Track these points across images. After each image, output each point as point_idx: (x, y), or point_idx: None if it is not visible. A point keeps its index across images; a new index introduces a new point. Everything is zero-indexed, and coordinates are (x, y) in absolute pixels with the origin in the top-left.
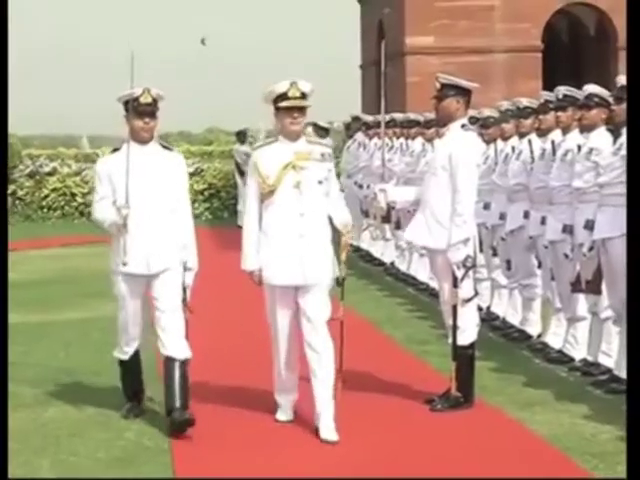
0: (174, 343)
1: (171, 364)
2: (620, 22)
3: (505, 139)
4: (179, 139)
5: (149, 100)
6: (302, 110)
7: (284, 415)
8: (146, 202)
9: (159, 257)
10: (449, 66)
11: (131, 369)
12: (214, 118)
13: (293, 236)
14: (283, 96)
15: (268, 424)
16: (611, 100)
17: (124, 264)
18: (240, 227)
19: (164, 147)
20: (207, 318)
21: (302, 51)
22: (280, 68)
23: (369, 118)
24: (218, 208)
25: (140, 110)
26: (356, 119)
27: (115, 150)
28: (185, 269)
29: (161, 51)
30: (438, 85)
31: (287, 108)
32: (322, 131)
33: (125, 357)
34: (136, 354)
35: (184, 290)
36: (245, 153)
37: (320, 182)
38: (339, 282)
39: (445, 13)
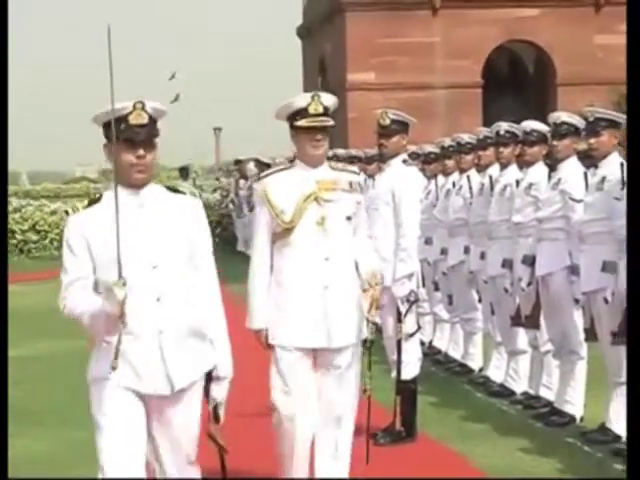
0: None
1: None
2: (558, 59)
3: (446, 174)
4: None
5: (144, 120)
6: (325, 130)
7: None
8: (148, 280)
9: (174, 367)
10: (391, 102)
11: None
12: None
13: (316, 287)
14: (302, 112)
15: None
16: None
17: (113, 368)
18: None
19: (170, 190)
20: None
21: (245, 87)
22: (221, 103)
23: None
24: None
25: (130, 136)
26: None
27: (93, 202)
28: (212, 378)
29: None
30: (387, 121)
31: (307, 128)
32: (264, 167)
33: None
34: None
35: (215, 414)
36: (188, 189)
37: (349, 218)
38: (365, 345)
39: (386, 50)
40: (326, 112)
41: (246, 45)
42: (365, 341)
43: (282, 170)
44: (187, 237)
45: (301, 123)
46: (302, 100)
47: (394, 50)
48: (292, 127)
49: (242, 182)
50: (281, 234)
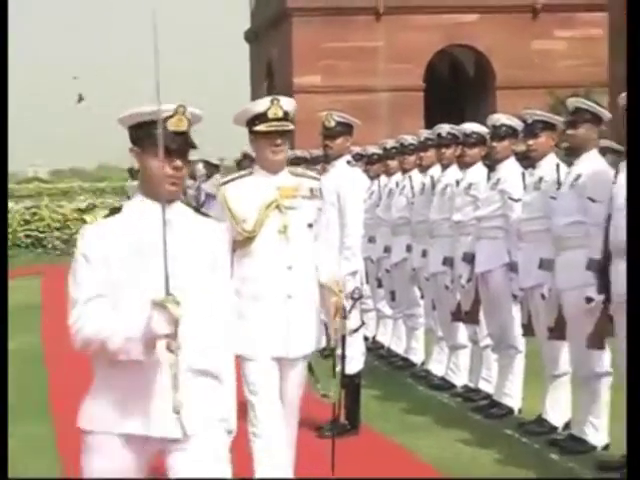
0: None
1: None
2: (497, 64)
3: (389, 175)
4: (71, 175)
5: (184, 127)
6: (285, 135)
7: None
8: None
9: (191, 408)
10: (336, 104)
11: None
12: (106, 155)
13: (279, 296)
14: (261, 117)
15: None
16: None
17: (177, 412)
18: None
19: (197, 211)
20: None
21: (194, 88)
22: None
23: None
24: None
25: (168, 144)
26: (246, 156)
27: (113, 212)
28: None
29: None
30: (332, 123)
31: (266, 133)
32: (212, 168)
33: None
34: None
35: None
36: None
37: (310, 225)
38: (326, 354)
39: (331, 54)
40: (286, 116)
41: (197, 50)
42: (324, 349)
43: (242, 177)
44: (210, 264)
45: (260, 128)
46: (261, 105)
47: (339, 54)
48: (251, 132)
49: (190, 182)
50: (242, 243)
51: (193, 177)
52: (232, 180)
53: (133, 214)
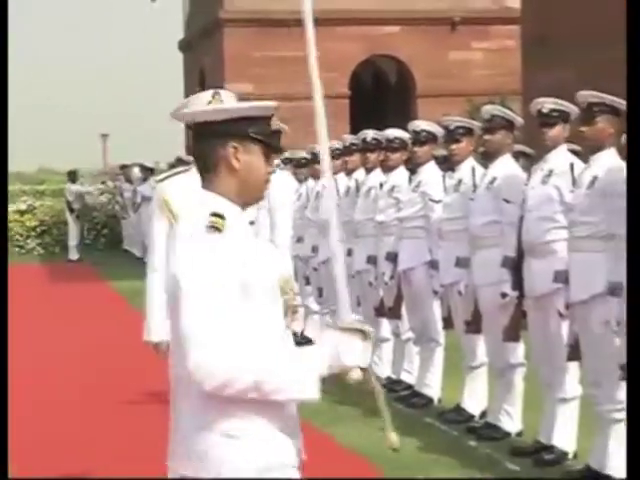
0: None
1: None
2: (418, 73)
3: (316, 178)
4: (12, 178)
5: (276, 126)
6: None
7: None
8: None
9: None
10: None
11: None
12: (45, 159)
13: None
14: None
15: None
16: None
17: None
18: (72, 261)
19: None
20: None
21: (128, 95)
22: (107, 117)
23: (192, 159)
24: (50, 244)
25: (276, 144)
26: (180, 160)
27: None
28: None
29: None
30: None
31: None
32: (148, 171)
33: None
34: None
35: None
36: (76, 192)
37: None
38: None
39: (262, 62)
40: None
41: (131, 59)
42: None
43: (180, 173)
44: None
45: None
46: (201, 98)
47: (269, 63)
48: (190, 128)
49: (127, 185)
50: None
51: (129, 180)
52: (170, 177)
53: (236, 227)
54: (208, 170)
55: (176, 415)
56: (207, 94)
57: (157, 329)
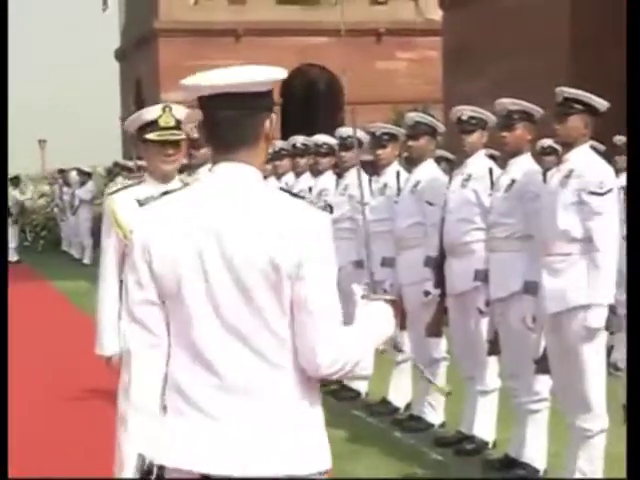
0: None
1: None
2: (347, 81)
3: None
4: None
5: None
6: (177, 144)
7: None
8: None
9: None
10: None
11: None
12: None
13: None
14: (152, 125)
15: None
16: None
17: None
18: (11, 262)
19: None
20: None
21: (69, 103)
22: (47, 118)
23: (130, 164)
24: None
25: None
26: (117, 165)
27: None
28: None
29: None
30: (197, 134)
31: (157, 142)
32: (85, 175)
33: None
34: None
35: None
36: (17, 199)
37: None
38: None
39: (195, 71)
40: (178, 125)
41: (69, 67)
42: None
43: (130, 186)
44: None
45: (151, 136)
46: (152, 112)
47: (200, 71)
48: (142, 140)
49: (65, 189)
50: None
51: (67, 184)
52: (120, 190)
53: None
54: (246, 142)
55: (244, 413)
56: (158, 107)
57: (109, 343)
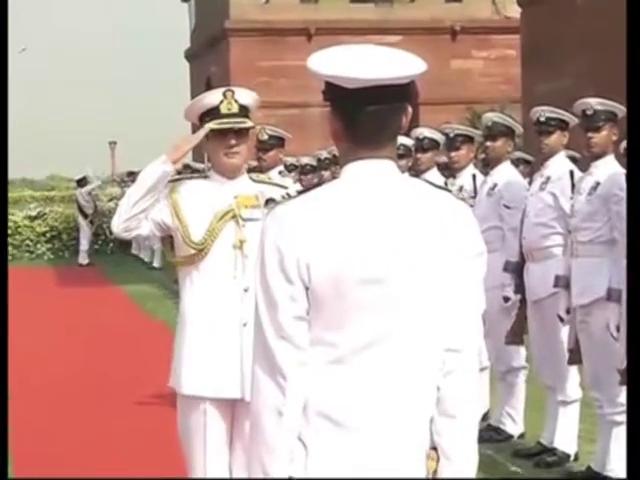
0: None
1: None
2: (419, 80)
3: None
4: (22, 185)
5: None
6: (242, 134)
7: None
8: None
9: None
10: (270, 119)
11: None
12: (55, 166)
13: (233, 323)
14: (213, 112)
15: None
16: None
17: None
18: (82, 265)
19: None
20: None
21: (140, 104)
22: (118, 119)
23: (201, 166)
24: (59, 249)
25: None
26: (187, 167)
27: None
28: None
29: None
30: (265, 136)
31: (219, 131)
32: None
33: None
34: None
35: None
36: (88, 193)
37: None
38: None
39: (266, 71)
40: (242, 112)
41: (139, 67)
42: None
43: (195, 178)
44: None
45: (211, 125)
46: (212, 97)
47: (273, 72)
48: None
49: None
50: (189, 258)
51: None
52: (184, 179)
53: None
54: (392, 137)
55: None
56: (218, 92)
57: (190, 382)
